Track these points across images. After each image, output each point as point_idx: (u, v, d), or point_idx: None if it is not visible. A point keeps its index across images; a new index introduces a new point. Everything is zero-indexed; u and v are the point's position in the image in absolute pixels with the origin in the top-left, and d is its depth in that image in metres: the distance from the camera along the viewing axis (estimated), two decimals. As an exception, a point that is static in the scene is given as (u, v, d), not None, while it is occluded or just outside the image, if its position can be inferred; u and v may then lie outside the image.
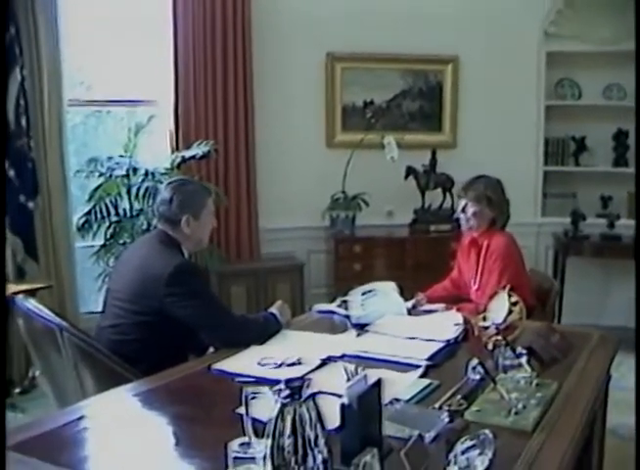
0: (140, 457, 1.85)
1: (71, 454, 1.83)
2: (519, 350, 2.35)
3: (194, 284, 2.81)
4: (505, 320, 2.70)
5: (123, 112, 5.58)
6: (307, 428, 1.47)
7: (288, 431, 1.47)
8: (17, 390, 4.59)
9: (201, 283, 2.89)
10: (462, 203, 3.64)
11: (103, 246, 4.89)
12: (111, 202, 4.93)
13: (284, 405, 1.47)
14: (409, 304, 3.42)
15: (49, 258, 4.92)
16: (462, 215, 3.64)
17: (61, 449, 1.86)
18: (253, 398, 1.67)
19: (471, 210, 3.58)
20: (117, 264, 3.36)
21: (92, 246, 5.02)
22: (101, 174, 4.88)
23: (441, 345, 2.73)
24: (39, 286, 4.43)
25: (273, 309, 3.05)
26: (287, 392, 1.47)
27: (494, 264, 3.47)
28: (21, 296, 2.99)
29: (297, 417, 1.47)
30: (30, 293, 3.94)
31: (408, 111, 6.00)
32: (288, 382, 1.49)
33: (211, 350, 2.85)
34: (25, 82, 4.59)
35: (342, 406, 1.68)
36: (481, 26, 5.88)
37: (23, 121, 4.59)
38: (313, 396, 1.50)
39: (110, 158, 4.96)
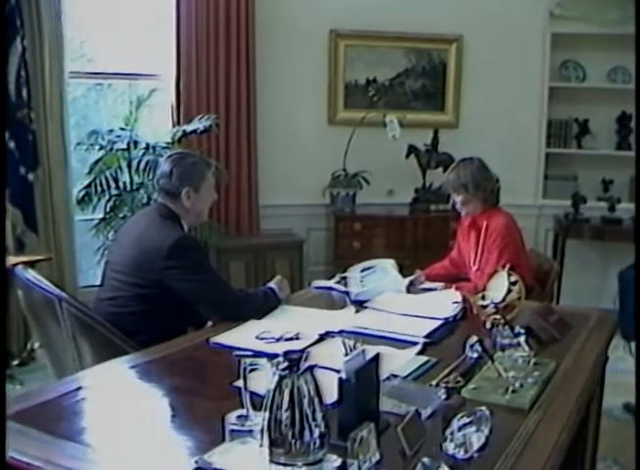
0: (137, 429, 1.85)
1: (69, 425, 1.83)
2: (517, 329, 2.35)
3: (193, 258, 2.81)
4: (504, 299, 2.70)
5: (125, 85, 5.55)
6: (305, 401, 1.47)
7: (285, 404, 1.46)
8: (15, 362, 4.59)
9: (200, 257, 2.89)
10: (450, 195, 3.65)
11: (103, 219, 4.90)
12: (111, 175, 4.93)
13: (282, 378, 1.47)
14: (407, 280, 3.42)
15: (49, 231, 4.91)
16: (457, 206, 3.65)
17: (58, 420, 1.86)
18: (252, 370, 1.67)
19: (457, 200, 3.59)
20: (117, 237, 3.36)
21: (92, 219, 5.02)
22: (101, 147, 4.87)
23: (440, 322, 2.74)
24: (38, 258, 4.42)
25: (272, 284, 3.05)
26: (285, 364, 1.47)
27: (494, 244, 3.47)
28: (20, 266, 2.98)
29: (294, 390, 1.46)
30: (29, 265, 3.92)
31: (411, 89, 5.97)
32: (286, 354, 1.48)
33: (210, 323, 2.85)
34: (26, 53, 4.56)
35: (340, 381, 1.68)
36: (486, 6, 5.84)
37: (24, 93, 4.56)
38: (311, 368, 1.50)
39: (110, 131, 4.95)
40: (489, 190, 3.60)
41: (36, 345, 4.14)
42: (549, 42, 5.93)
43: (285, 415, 1.46)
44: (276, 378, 1.48)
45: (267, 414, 1.47)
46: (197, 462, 1.57)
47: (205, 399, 2.05)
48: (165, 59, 5.33)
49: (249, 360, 1.68)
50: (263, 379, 1.58)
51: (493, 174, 3.64)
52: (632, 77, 5.90)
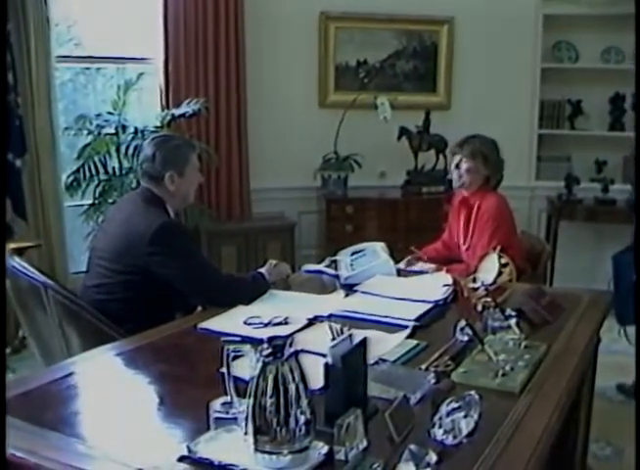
0: (123, 417, 1.83)
1: (54, 414, 1.81)
2: (508, 311, 2.33)
3: (178, 243, 2.77)
4: (495, 282, 2.68)
5: (113, 69, 5.49)
6: (290, 387, 1.44)
7: (269, 391, 1.44)
8: (7, 350, 4.56)
9: (185, 242, 2.85)
10: (456, 159, 3.59)
11: (92, 205, 4.86)
12: (100, 160, 4.91)
13: (266, 364, 1.44)
14: (401, 264, 3.39)
15: (38, 218, 4.87)
16: (455, 172, 3.59)
17: (44, 409, 1.84)
18: (235, 356, 1.64)
19: (465, 166, 3.53)
20: (102, 223, 3.32)
21: (81, 205, 4.99)
22: (89, 132, 4.83)
23: (430, 305, 2.71)
24: (28, 245, 4.39)
25: (262, 269, 3.01)
26: (269, 350, 1.44)
27: (485, 225, 3.45)
28: (6, 253, 2.94)
29: (279, 376, 1.44)
30: (19, 252, 3.90)
31: (402, 71, 5.92)
32: (270, 340, 1.46)
33: (199, 309, 2.82)
34: (11, 37, 4.50)
35: (326, 366, 1.66)
36: (478, -13, 5.81)
37: (10, 77, 4.50)
38: (296, 354, 1.47)
39: (98, 115, 4.91)
40: (499, 173, 3.60)
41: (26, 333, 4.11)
42: (541, 23, 5.88)
43: (269, 402, 1.44)
44: (260, 364, 1.45)
45: (251, 401, 1.45)
46: (188, 448, 1.55)
47: (191, 385, 2.03)
48: (154, 42, 5.27)
49: (232, 346, 1.65)
50: (249, 365, 1.56)
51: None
52: (626, 57, 5.86)
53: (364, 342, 1.76)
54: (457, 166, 3.57)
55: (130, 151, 4.82)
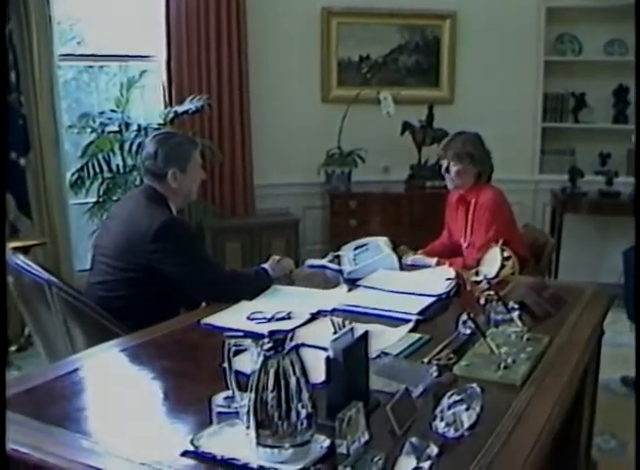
0: (127, 413, 1.83)
1: (59, 410, 1.81)
2: (511, 304, 2.33)
3: (180, 240, 2.78)
4: (497, 275, 2.68)
5: (116, 67, 5.50)
6: (291, 381, 1.45)
7: (271, 385, 1.44)
8: (13, 347, 4.58)
9: (187, 239, 2.85)
10: (444, 163, 3.59)
11: (96, 202, 4.88)
12: (103, 158, 4.93)
13: (267, 358, 1.45)
14: (409, 260, 3.39)
15: (42, 216, 4.88)
16: (446, 175, 3.60)
17: (48, 405, 1.84)
18: (237, 351, 1.65)
19: (454, 169, 3.53)
20: (106, 221, 3.33)
21: (86, 203, 5.00)
22: (93, 130, 4.84)
23: (433, 299, 2.71)
24: (32, 243, 4.40)
25: (265, 265, 3.02)
26: (270, 344, 1.45)
27: (482, 217, 3.45)
28: (9, 251, 2.95)
29: (280, 370, 1.44)
30: (24, 250, 3.91)
31: (405, 66, 5.93)
32: (271, 334, 1.46)
33: (204, 304, 2.82)
34: (13, 36, 4.51)
35: (328, 360, 1.66)
36: (480, -19, 5.80)
37: (13, 76, 4.51)
38: (296, 347, 1.47)
39: (101, 113, 4.91)
40: (488, 166, 3.59)
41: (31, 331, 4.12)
42: (544, 16, 5.87)
43: (271, 396, 1.44)
44: (261, 359, 1.46)
45: (253, 396, 1.45)
46: (192, 442, 1.55)
47: (194, 381, 2.03)
48: (156, 39, 5.28)
49: (233, 341, 1.65)
50: (251, 359, 1.56)
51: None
52: (629, 50, 5.84)
53: (365, 335, 1.76)
54: (447, 170, 3.57)
55: (134, 148, 4.83)
